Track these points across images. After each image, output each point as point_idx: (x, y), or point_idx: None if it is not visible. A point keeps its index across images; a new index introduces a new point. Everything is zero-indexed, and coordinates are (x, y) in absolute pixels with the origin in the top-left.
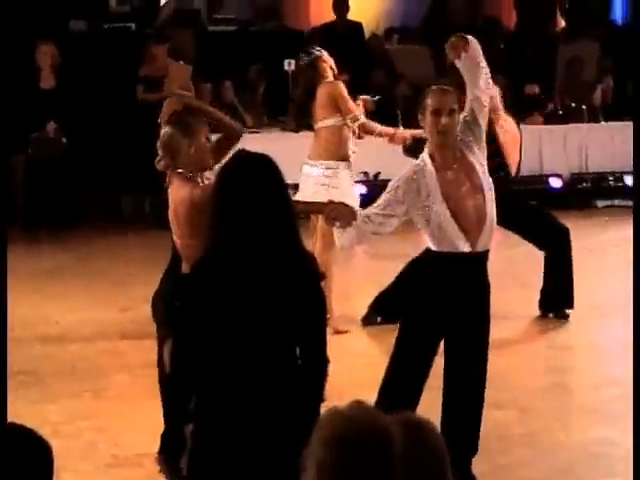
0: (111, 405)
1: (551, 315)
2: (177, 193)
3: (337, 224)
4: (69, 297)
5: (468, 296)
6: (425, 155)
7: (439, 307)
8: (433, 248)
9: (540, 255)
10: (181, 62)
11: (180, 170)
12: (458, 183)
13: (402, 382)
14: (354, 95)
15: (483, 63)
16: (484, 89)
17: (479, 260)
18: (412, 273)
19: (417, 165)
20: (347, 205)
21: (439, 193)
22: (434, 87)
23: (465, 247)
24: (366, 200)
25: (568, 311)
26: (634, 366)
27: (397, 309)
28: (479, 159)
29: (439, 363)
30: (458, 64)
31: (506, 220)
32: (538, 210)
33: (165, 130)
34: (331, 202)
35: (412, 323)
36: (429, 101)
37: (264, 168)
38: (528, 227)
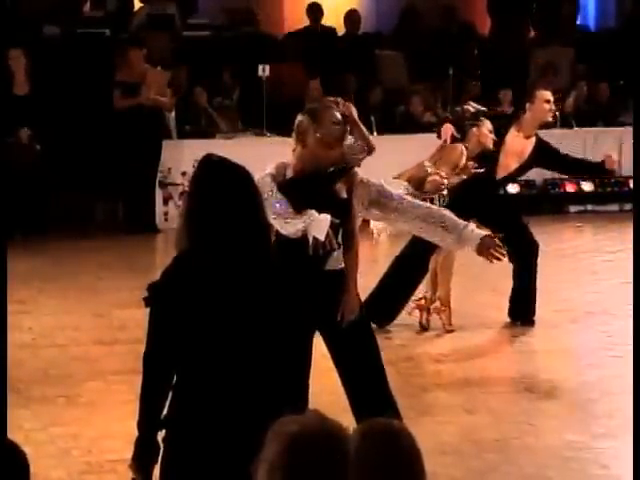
0: (84, 411)
1: (518, 323)
2: None
3: None
4: (42, 303)
5: None
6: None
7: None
8: None
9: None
10: (159, 68)
11: None
12: None
13: None
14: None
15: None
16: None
17: None
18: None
19: None
20: None
21: None
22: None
23: None
24: None
25: (533, 318)
26: (634, 366)
27: (385, 312)
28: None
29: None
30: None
31: (488, 220)
32: (518, 218)
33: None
34: None
35: None
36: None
37: (237, 176)
38: (506, 232)
